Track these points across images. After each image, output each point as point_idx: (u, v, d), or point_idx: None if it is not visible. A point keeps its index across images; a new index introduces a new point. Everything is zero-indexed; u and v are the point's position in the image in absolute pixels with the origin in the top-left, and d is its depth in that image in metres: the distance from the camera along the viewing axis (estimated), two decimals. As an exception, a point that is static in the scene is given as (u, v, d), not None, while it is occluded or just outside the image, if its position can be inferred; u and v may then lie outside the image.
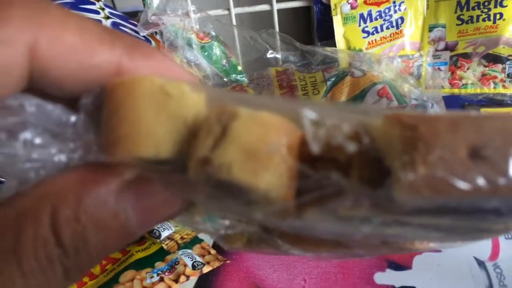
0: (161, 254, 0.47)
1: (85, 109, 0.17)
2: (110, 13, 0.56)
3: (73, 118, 0.17)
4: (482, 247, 0.45)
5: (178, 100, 0.16)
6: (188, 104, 0.16)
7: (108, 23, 0.53)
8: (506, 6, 0.61)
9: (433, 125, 0.14)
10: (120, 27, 0.54)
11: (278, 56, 0.63)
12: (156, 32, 0.55)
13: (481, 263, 0.44)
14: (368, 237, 0.18)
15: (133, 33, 0.55)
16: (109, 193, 0.16)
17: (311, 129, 0.16)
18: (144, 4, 0.58)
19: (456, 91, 0.65)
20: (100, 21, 0.52)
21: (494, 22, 0.62)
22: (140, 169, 0.16)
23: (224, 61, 0.65)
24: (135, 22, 0.58)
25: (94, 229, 0.16)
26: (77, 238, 0.15)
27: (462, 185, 0.13)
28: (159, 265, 0.46)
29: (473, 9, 0.63)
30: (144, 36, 0.56)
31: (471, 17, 0.63)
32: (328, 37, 0.68)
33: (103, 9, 0.55)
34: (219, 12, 0.68)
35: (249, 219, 0.19)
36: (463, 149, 0.13)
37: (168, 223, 0.50)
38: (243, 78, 0.67)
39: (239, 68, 0.68)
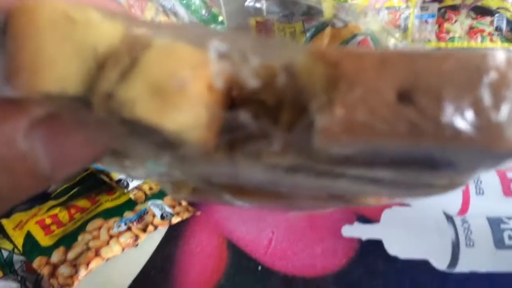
0: (131, 204, 0.47)
1: None
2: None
3: None
4: (452, 202, 0.45)
5: (84, 27, 0.14)
6: (97, 33, 0.14)
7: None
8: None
9: (358, 62, 0.12)
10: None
11: (258, 5, 0.61)
12: (127, -23, 0.53)
13: (449, 218, 0.44)
14: (300, 188, 0.18)
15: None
16: (15, 130, 0.15)
17: (215, 62, 0.14)
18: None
19: (442, 44, 0.63)
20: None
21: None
22: (49, 104, 0.15)
23: (203, 11, 0.63)
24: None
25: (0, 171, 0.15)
26: None
27: (384, 129, 0.12)
28: (128, 214, 0.46)
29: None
30: (116, -19, 0.53)
31: (462, -34, 0.60)
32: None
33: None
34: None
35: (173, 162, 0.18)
36: (390, 90, 0.12)
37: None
38: (224, 29, 0.65)
39: (220, 18, 0.65)
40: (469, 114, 0.12)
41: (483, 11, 0.61)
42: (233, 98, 0.15)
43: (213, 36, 0.15)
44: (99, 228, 0.44)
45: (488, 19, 0.61)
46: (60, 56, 0.14)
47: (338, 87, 0.12)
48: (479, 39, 0.62)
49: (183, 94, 0.13)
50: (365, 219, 0.45)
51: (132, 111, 0.13)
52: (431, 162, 0.14)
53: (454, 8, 0.62)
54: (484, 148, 0.12)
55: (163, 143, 0.15)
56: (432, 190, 0.17)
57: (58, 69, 0.14)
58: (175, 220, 0.46)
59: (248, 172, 0.16)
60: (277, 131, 0.14)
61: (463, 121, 0.12)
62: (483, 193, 0.45)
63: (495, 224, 0.43)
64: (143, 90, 0.13)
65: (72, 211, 0.46)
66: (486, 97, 0.12)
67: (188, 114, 0.14)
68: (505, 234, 0.42)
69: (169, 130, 0.13)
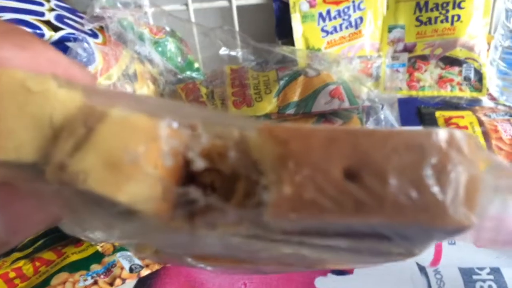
0: (98, 256, 0.46)
1: None
2: (57, 5, 0.54)
3: None
4: (425, 253, 0.45)
5: (41, 97, 0.14)
6: (54, 102, 0.14)
7: (51, 15, 0.51)
8: (463, 8, 0.61)
9: (306, 141, 0.12)
10: (65, 19, 0.52)
11: (233, 53, 0.61)
12: (102, 27, 0.54)
13: (422, 269, 0.43)
14: (260, 254, 0.17)
15: (79, 26, 0.53)
16: None
17: (166, 139, 0.14)
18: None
19: (413, 93, 0.64)
20: (42, 13, 0.50)
21: (452, 24, 0.62)
22: (1, 174, 0.15)
23: (179, 58, 0.64)
24: (84, 16, 0.56)
25: None
26: None
27: (331, 207, 0.12)
28: (95, 267, 0.45)
29: (432, 10, 0.62)
30: (91, 30, 0.54)
31: (430, 18, 0.63)
32: (288, 35, 0.67)
33: (48, 1, 0.53)
34: (177, 7, 0.67)
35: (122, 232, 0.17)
36: (336, 168, 0.12)
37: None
38: (200, 75, 0.65)
39: (196, 65, 0.66)
40: (413, 193, 0.12)
41: (451, 61, 0.63)
42: (191, 170, 0.14)
43: (169, 110, 0.15)
44: (64, 282, 0.43)
45: (456, 69, 0.63)
46: (16, 125, 0.14)
47: (286, 165, 0.12)
48: (448, 88, 0.63)
49: (136, 167, 0.13)
50: (339, 271, 0.45)
51: (85, 182, 0.13)
52: (382, 235, 0.14)
53: (424, 58, 0.64)
54: (429, 225, 0.12)
55: (119, 213, 0.14)
56: (392, 257, 0.16)
57: (14, 138, 0.14)
58: (145, 272, 0.45)
59: (206, 241, 0.16)
60: (230, 206, 0.14)
61: (407, 199, 0.12)
62: (455, 243, 0.45)
63: (467, 275, 0.42)
64: (96, 162, 0.13)
65: (37, 263, 0.45)
66: (430, 176, 0.12)
67: (141, 186, 0.13)
68: (477, 285, 0.42)
69: (122, 202, 0.13)
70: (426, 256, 0.44)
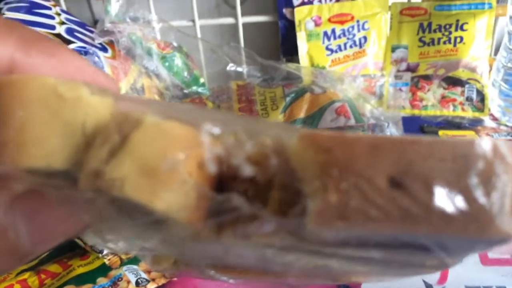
0: (105, 269, 0.45)
1: None
2: (67, 19, 0.54)
3: None
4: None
5: (73, 104, 0.14)
6: (86, 110, 0.14)
7: (62, 29, 0.51)
8: (466, 30, 0.62)
9: (350, 149, 0.12)
10: (75, 33, 0.52)
11: (240, 69, 0.62)
12: (111, 41, 0.54)
13: (429, 287, 0.44)
14: (290, 266, 0.17)
15: (89, 40, 0.54)
16: None
17: (209, 146, 0.14)
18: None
19: (416, 112, 0.65)
20: (53, 26, 0.51)
21: (455, 45, 0.63)
22: (30, 182, 0.15)
23: (185, 73, 0.64)
24: (94, 30, 0.57)
25: None
26: None
27: (377, 216, 0.12)
28: (101, 281, 0.44)
29: (435, 31, 0.64)
30: (100, 44, 0.54)
31: (433, 39, 0.64)
32: (293, 53, 0.68)
33: (59, 14, 0.54)
34: (184, 23, 0.68)
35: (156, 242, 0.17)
36: (381, 177, 0.12)
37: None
38: (205, 91, 0.66)
39: (202, 80, 0.67)
40: (461, 203, 0.12)
41: (454, 82, 0.64)
42: (222, 177, 0.15)
43: (204, 117, 0.15)
44: (70, 295, 0.42)
45: (459, 89, 0.64)
46: (47, 132, 0.14)
47: (330, 173, 0.12)
48: (451, 107, 0.64)
49: (173, 175, 0.13)
50: (346, 286, 0.45)
51: (122, 190, 0.13)
52: (421, 246, 0.14)
53: (427, 78, 0.65)
54: (475, 236, 0.12)
55: (151, 222, 0.14)
56: (423, 270, 0.16)
57: (44, 146, 0.14)
58: (151, 286, 0.45)
59: (237, 252, 0.16)
60: (268, 214, 0.14)
61: (455, 209, 0.12)
62: (461, 261, 0.45)
63: (474, 293, 0.43)
64: (132, 170, 0.13)
65: (43, 276, 0.44)
66: (476, 186, 0.12)
67: (178, 195, 0.13)
68: (485, 304, 0.42)
69: (159, 210, 0.13)
70: (433, 275, 0.44)
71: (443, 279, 0.44)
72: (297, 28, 0.65)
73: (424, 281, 0.44)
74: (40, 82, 0.14)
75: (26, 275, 0.44)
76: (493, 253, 0.45)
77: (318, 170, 0.12)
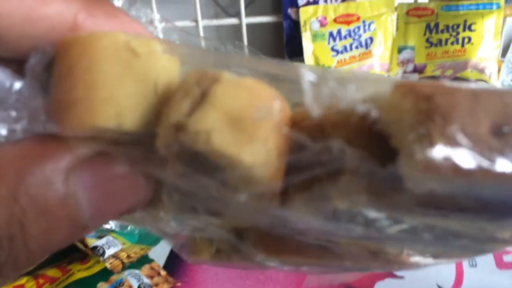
0: (106, 274, 0.44)
1: (33, 71, 0.14)
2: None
3: (18, 84, 0.14)
4: (445, 275, 0.43)
5: (146, 60, 0.13)
6: (159, 66, 0.14)
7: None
8: (474, 30, 0.61)
9: (451, 96, 0.12)
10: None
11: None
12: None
13: (443, 291, 0.42)
14: (358, 239, 0.16)
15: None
16: (56, 170, 0.13)
17: (311, 91, 0.14)
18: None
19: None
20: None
21: (463, 46, 0.62)
22: (97, 144, 0.14)
23: (188, 73, 0.63)
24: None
25: (35, 214, 0.13)
26: (14, 223, 0.12)
27: (483, 162, 0.11)
28: (102, 285, 0.43)
29: (442, 32, 0.63)
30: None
31: (440, 40, 0.63)
32: (298, 53, 0.66)
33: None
34: (187, 23, 0.66)
35: (224, 212, 0.16)
36: (485, 123, 0.12)
37: (115, 240, 0.47)
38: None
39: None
40: None
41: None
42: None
43: (295, 68, 0.15)
44: (70, 301, 0.41)
45: (467, 90, 0.63)
46: (119, 90, 0.13)
47: (433, 119, 0.12)
48: (459, 109, 0.63)
49: (258, 128, 0.13)
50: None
51: (208, 142, 0.12)
52: (506, 208, 0.13)
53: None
54: None
55: (225, 181, 0.13)
56: (493, 245, 0.16)
57: (116, 104, 0.13)
58: (154, 292, 0.43)
59: (304, 220, 0.15)
60: (354, 159, 0.13)
61: None
62: (476, 265, 0.44)
63: (491, 298, 0.41)
64: (218, 121, 0.12)
65: (41, 281, 0.42)
66: None
67: (262, 149, 0.13)
68: (501, 309, 0.40)
69: (245, 163, 0.12)
70: (447, 279, 0.43)
71: (458, 283, 0.43)
72: (302, 29, 0.64)
73: (438, 286, 0.43)
74: (112, 38, 0.13)
75: (23, 280, 0.42)
76: (508, 257, 0.44)
77: (420, 117, 0.12)
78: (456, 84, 0.13)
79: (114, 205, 0.15)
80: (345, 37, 0.64)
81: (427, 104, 0.12)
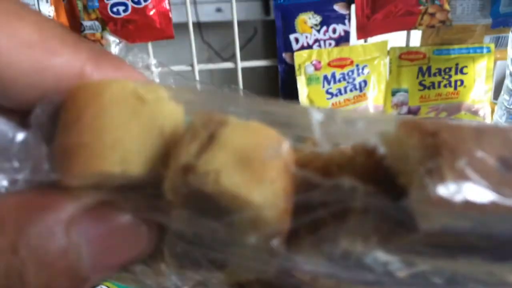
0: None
1: (38, 121, 0.14)
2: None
3: (21, 135, 0.14)
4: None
5: (153, 106, 0.13)
6: (165, 112, 0.14)
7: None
8: (466, 73, 0.62)
9: (457, 132, 0.12)
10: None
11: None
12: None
13: None
14: (369, 286, 0.15)
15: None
16: (58, 221, 0.13)
17: (320, 129, 0.14)
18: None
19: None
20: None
21: (455, 88, 0.63)
22: (101, 193, 0.13)
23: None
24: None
25: (35, 266, 0.12)
26: (13, 275, 0.12)
27: (496, 197, 0.11)
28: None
29: (435, 75, 0.64)
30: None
31: (433, 83, 0.64)
32: (293, 96, 0.67)
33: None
34: (183, 67, 0.67)
35: (229, 260, 0.15)
36: (491, 157, 0.12)
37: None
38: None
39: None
40: None
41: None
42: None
43: (301, 110, 0.15)
44: None
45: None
46: (125, 135, 0.13)
47: (441, 154, 0.12)
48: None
49: (268, 168, 0.13)
50: None
51: (217, 182, 0.12)
52: None
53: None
54: None
55: (232, 225, 0.13)
56: None
57: (122, 149, 0.13)
58: None
59: (312, 264, 0.14)
60: (365, 197, 0.13)
61: None
62: None
63: None
64: (227, 162, 0.12)
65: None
66: None
67: (271, 189, 0.13)
68: None
69: (255, 203, 0.12)
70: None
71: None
72: (297, 72, 0.65)
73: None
74: (121, 85, 0.14)
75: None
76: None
77: (427, 152, 0.12)
78: (458, 121, 0.13)
79: (116, 256, 0.14)
80: (339, 81, 0.65)
81: (433, 140, 0.12)
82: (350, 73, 0.65)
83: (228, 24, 0.68)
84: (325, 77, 0.65)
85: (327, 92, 0.65)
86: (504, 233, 0.12)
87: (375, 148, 0.14)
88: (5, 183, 0.14)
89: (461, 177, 0.11)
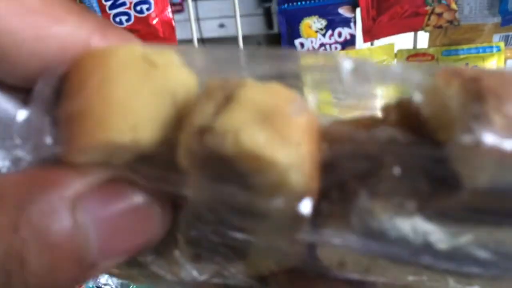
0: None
1: (41, 94, 0.13)
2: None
3: (24, 112, 0.13)
4: None
5: (165, 71, 0.13)
6: (177, 78, 0.13)
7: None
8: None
9: (499, 77, 0.11)
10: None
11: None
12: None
13: None
14: (403, 265, 0.14)
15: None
16: (62, 199, 0.11)
17: (351, 75, 0.13)
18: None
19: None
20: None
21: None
22: (110, 169, 0.12)
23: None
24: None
25: (37, 247, 0.11)
26: (12, 257, 0.11)
27: None
28: None
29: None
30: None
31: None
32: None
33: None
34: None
35: (250, 236, 0.14)
36: None
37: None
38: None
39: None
40: None
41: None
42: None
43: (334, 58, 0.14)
44: None
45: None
46: (135, 101, 0.12)
47: (486, 99, 0.11)
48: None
49: (292, 128, 0.12)
50: None
51: (237, 143, 0.11)
52: None
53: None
54: None
55: (255, 192, 0.12)
56: None
57: (132, 116, 0.12)
58: None
59: (338, 237, 0.13)
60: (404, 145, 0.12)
61: None
62: None
63: None
64: (247, 120, 0.11)
65: None
66: None
67: (297, 152, 0.11)
68: None
69: (280, 164, 0.11)
70: None
71: None
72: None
73: None
74: (129, 49, 0.13)
75: None
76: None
77: (470, 98, 0.11)
78: (500, 69, 0.12)
79: (127, 240, 0.13)
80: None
81: (476, 85, 0.11)
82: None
83: (232, 39, 0.67)
84: (332, 82, 0.64)
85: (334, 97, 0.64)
86: None
87: (410, 101, 0.13)
88: (7, 163, 0.13)
89: (510, 121, 0.11)
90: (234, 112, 0.11)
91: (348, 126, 0.13)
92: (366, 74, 0.13)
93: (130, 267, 0.16)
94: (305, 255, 0.14)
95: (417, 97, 0.12)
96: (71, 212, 0.11)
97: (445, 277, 0.13)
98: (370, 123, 0.13)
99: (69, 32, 0.13)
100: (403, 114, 0.13)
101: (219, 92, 0.12)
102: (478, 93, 0.11)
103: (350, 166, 0.12)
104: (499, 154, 0.10)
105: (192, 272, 0.15)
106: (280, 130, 0.11)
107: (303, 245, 0.13)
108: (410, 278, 0.13)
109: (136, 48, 0.13)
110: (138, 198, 0.13)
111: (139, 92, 0.12)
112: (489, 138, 0.10)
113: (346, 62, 0.13)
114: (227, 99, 0.12)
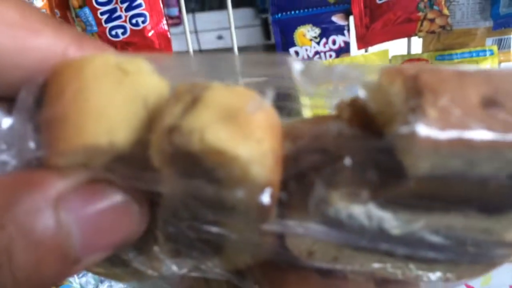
0: None
1: (23, 102, 0.14)
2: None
3: (7, 120, 0.14)
4: None
5: (136, 77, 0.14)
6: (148, 83, 0.14)
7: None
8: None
9: (437, 74, 0.12)
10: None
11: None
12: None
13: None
14: (364, 251, 0.15)
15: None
16: (45, 198, 0.12)
17: (301, 74, 0.14)
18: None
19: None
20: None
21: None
22: (89, 171, 0.13)
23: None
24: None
25: (23, 243, 0.12)
26: (0, 251, 0.12)
27: (480, 130, 0.11)
28: None
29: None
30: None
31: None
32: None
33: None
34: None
35: (224, 229, 0.15)
36: (474, 96, 0.12)
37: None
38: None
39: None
40: None
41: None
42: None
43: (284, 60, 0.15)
44: None
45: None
46: (110, 106, 0.13)
47: (423, 94, 0.12)
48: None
49: (253, 125, 0.13)
50: None
51: (202, 140, 0.12)
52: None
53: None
54: None
55: (221, 185, 0.13)
56: (502, 252, 0.15)
57: (107, 120, 0.13)
58: None
59: (301, 227, 0.14)
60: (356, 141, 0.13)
61: None
62: None
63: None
64: (211, 119, 0.12)
65: None
66: None
67: (258, 148, 0.12)
68: None
69: (241, 157, 0.12)
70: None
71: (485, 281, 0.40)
72: (298, 85, 0.64)
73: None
74: (103, 58, 0.14)
75: None
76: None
77: (410, 94, 0.12)
78: (439, 66, 0.13)
79: (108, 236, 0.14)
80: (342, 92, 0.64)
81: (415, 82, 0.12)
82: (352, 84, 0.64)
83: (230, 51, 0.68)
84: (327, 89, 0.64)
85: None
86: (494, 176, 0.12)
87: (358, 98, 0.13)
88: None
89: (444, 113, 0.12)
90: (200, 112, 0.12)
91: (307, 124, 0.14)
92: (314, 74, 0.14)
93: (114, 266, 0.16)
94: (276, 246, 0.14)
95: (362, 95, 0.13)
96: (54, 211, 0.12)
97: (407, 264, 0.14)
98: (327, 120, 0.14)
99: (47, 44, 0.14)
100: (355, 111, 0.13)
101: (187, 95, 0.13)
102: (416, 89, 0.12)
103: (308, 160, 0.13)
104: (434, 144, 0.11)
105: (172, 267, 0.16)
106: (243, 127, 0.12)
107: (272, 236, 0.14)
108: (375, 265, 0.14)
109: (110, 57, 0.14)
110: (116, 197, 0.13)
111: (113, 98, 0.13)
112: (424, 129, 0.11)
113: (296, 63, 0.14)
114: (194, 101, 0.13)
